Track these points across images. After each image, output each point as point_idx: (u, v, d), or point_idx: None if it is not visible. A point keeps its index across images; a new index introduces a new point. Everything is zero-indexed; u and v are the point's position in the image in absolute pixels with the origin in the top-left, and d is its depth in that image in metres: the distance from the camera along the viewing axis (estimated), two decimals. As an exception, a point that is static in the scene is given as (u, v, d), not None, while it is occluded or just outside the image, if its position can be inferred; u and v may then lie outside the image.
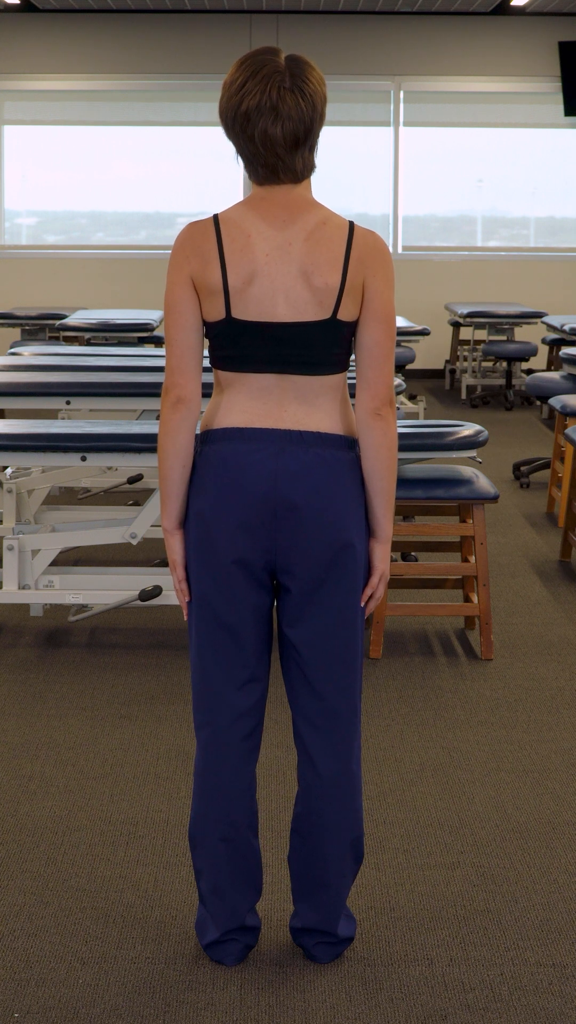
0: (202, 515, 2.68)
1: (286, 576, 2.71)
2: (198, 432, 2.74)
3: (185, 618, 2.78)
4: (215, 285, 2.62)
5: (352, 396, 4.97)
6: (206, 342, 2.74)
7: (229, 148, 2.71)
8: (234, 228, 2.63)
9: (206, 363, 5.95)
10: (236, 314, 2.62)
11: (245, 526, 2.65)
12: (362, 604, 2.76)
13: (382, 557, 2.76)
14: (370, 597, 2.77)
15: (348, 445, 2.69)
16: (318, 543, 2.67)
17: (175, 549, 2.76)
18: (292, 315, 2.62)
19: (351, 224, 2.65)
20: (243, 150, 2.64)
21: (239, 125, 2.61)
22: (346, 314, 2.63)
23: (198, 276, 2.63)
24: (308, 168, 2.66)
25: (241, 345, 2.64)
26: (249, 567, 2.69)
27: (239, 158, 2.69)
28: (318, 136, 2.65)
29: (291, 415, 2.65)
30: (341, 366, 2.69)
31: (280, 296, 2.61)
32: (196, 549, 2.71)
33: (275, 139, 2.59)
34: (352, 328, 2.66)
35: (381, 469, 2.69)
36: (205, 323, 2.67)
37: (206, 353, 5.11)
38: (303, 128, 2.60)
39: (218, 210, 2.72)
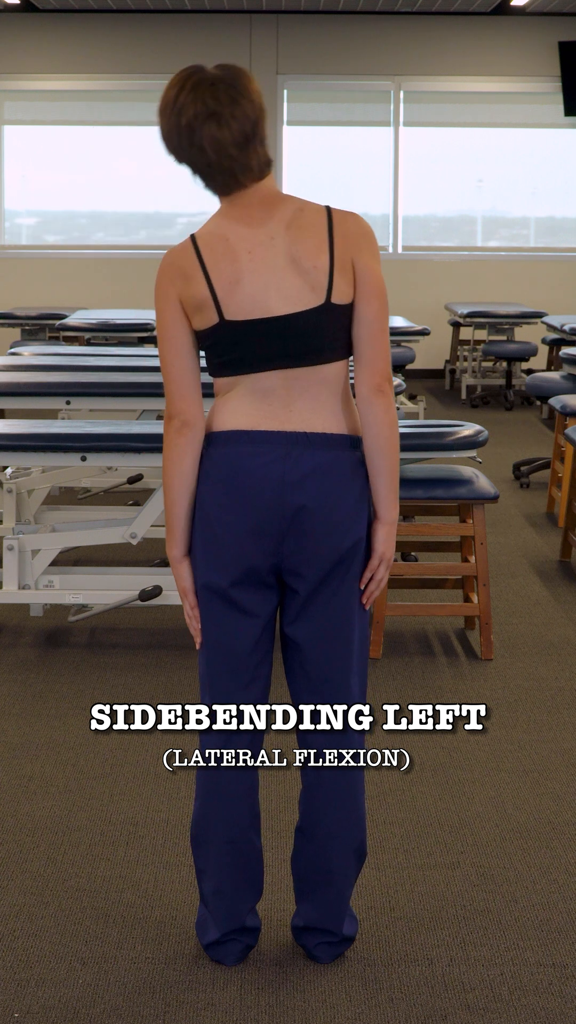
0: (209, 519, 2.68)
1: (293, 578, 2.70)
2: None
3: (197, 647, 2.78)
4: (202, 295, 2.61)
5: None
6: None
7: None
8: (212, 238, 2.63)
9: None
10: (228, 316, 2.61)
11: (253, 531, 2.65)
12: (361, 587, 2.73)
13: (384, 539, 2.71)
14: (370, 581, 2.72)
15: (352, 445, 2.68)
16: (326, 545, 2.66)
17: (184, 577, 2.74)
18: (286, 307, 2.61)
19: (328, 208, 2.66)
20: (196, 163, 2.63)
21: (185, 139, 2.60)
22: (339, 296, 2.62)
23: (184, 294, 2.63)
24: (264, 163, 2.65)
25: (238, 347, 2.63)
26: (256, 572, 2.68)
27: (196, 176, 2.68)
28: (264, 130, 2.64)
29: (297, 416, 2.65)
30: (341, 353, 2.67)
31: (272, 290, 2.61)
32: (202, 551, 2.70)
33: (223, 140, 2.58)
34: (347, 312, 2.65)
35: (384, 447, 2.67)
36: (197, 333, 2.66)
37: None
38: (249, 124, 2.60)
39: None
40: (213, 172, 2.64)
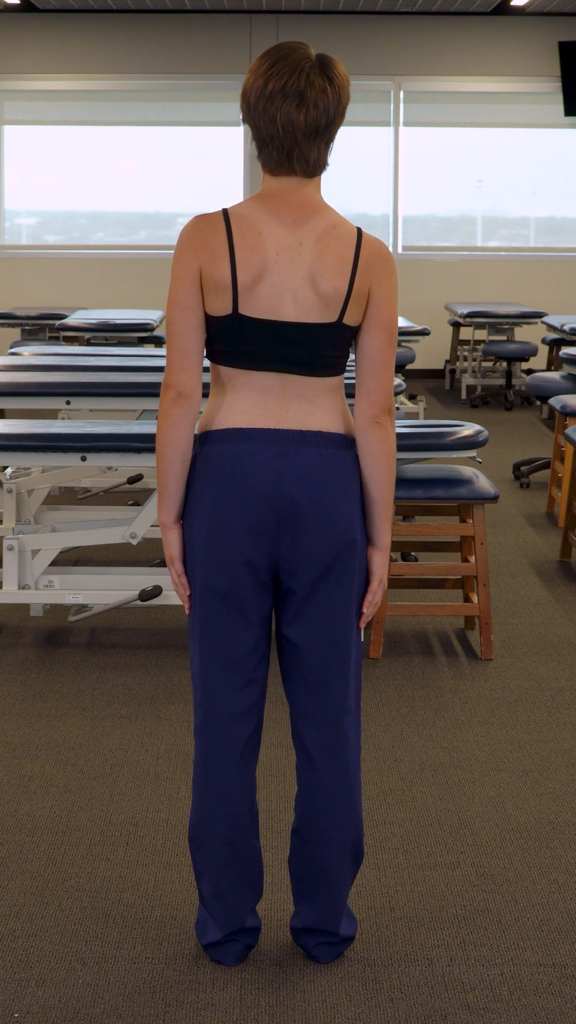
0: (207, 516, 2.68)
1: (289, 577, 2.70)
2: (196, 433, 2.73)
3: (187, 612, 2.78)
4: (223, 280, 2.61)
5: (350, 398, 4.97)
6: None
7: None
8: (244, 224, 2.63)
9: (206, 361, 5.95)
10: (243, 310, 2.61)
11: (251, 528, 2.65)
12: (363, 610, 2.76)
13: (380, 564, 2.75)
14: (366, 604, 2.77)
15: (348, 443, 2.69)
16: (322, 543, 2.67)
17: (173, 544, 2.75)
18: (298, 315, 2.62)
19: (359, 230, 2.67)
20: (260, 129, 2.64)
21: (262, 104, 2.61)
22: (351, 319, 2.64)
23: (206, 270, 2.62)
24: (321, 163, 2.67)
25: (245, 342, 2.63)
26: (254, 569, 2.68)
27: (253, 143, 2.70)
28: (335, 133, 2.67)
29: (293, 414, 2.65)
30: (340, 368, 2.70)
31: (287, 296, 2.61)
32: (201, 550, 2.70)
33: (296, 123, 2.60)
34: (355, 332, 2.67)
35: (379, 476, 2.70)
36: (208, 316, 2.66)
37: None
38: (326, 118, 2.62)
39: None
40: (271, 145, 2.64)
